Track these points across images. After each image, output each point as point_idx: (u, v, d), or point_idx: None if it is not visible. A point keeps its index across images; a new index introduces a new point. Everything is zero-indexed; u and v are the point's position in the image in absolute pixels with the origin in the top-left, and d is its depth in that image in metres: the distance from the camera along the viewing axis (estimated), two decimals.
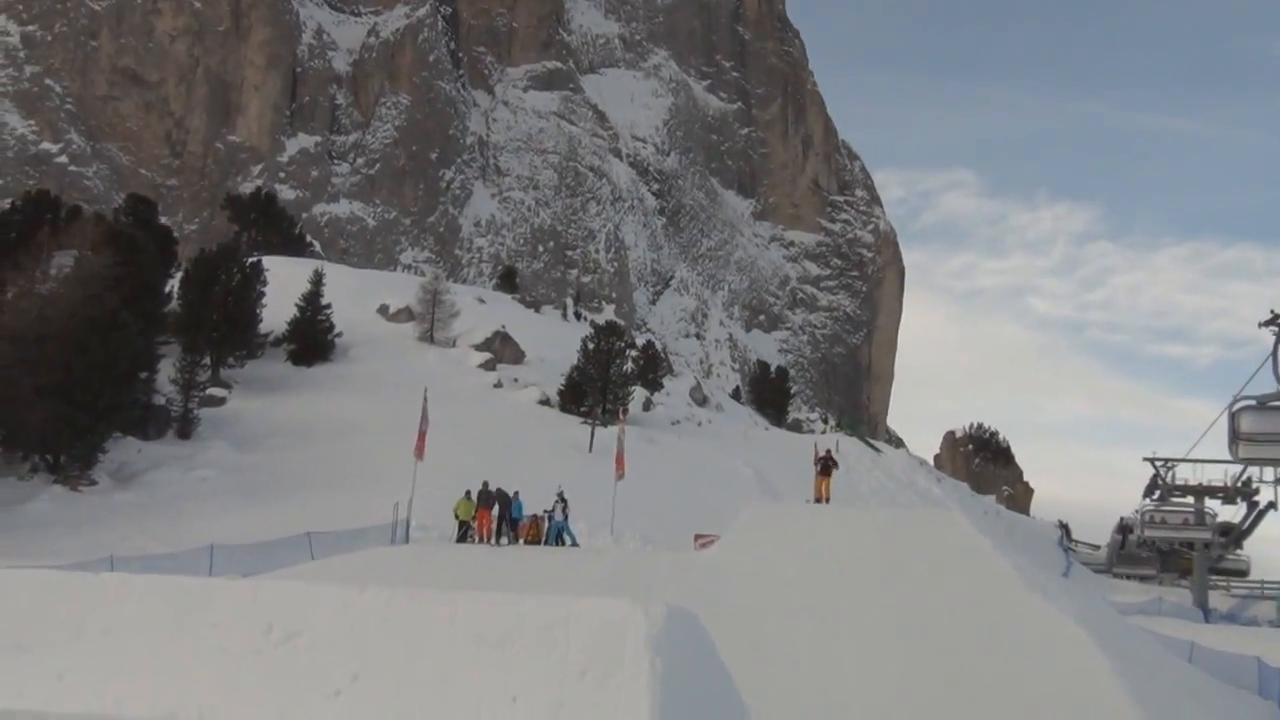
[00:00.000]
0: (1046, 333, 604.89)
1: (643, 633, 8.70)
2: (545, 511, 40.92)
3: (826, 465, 38.86)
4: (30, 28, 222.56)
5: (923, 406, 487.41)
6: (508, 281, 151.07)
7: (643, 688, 8.39)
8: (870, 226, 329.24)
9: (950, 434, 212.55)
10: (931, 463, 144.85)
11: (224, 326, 75.31)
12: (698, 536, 41.58)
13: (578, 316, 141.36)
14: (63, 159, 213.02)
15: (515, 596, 9.43)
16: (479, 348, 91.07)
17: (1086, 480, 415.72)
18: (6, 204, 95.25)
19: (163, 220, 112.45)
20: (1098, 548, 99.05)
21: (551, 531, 40.14)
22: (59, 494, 52.12)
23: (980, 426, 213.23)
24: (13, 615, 9.96)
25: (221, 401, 70.88)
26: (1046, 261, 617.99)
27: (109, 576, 10.79)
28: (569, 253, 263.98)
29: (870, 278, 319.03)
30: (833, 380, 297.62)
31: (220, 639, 9.43)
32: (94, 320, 54.66)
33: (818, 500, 37.98)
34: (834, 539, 27.91)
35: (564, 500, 40.72)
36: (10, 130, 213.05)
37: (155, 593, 10.05)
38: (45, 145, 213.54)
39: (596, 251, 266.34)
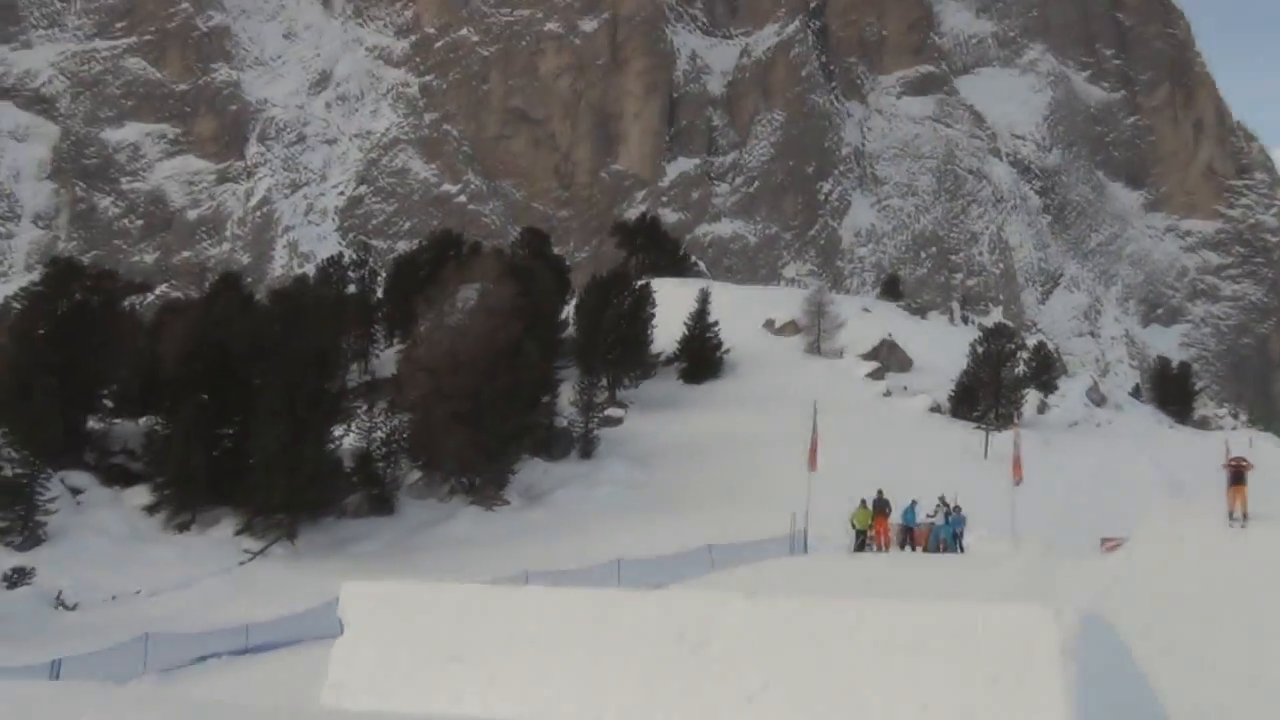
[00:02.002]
0: None
1: (1055, 639, 8.48)
2: (929, 517, 40.41)
3: (1239, 472, 32.11)
4: (428, 78, 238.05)
5: None
6: (891, 289, 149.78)
7: (1057, 695, 8.20)
8: (1273, 209, 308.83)
9: None
10: None
11: (618, 349, 77.99)
12: (1104, 540, 39.94)
13: (965, 320, 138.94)
14: (462, 198, 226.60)
15: (922, 603, 9.38)
16: (866, 357, 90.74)
17: None
18: (415, 244, 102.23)
19: (555, 250, 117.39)
20: None
21: (935, 536, 39.62)
22: (475, 513, 55.33)
23: None
24: (446, 627, 10.67)
25: (619, 421, 73.20)
26: None
27: (530, 589, 11.42)
28: (952, 257, 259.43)
29: (1276, 263, 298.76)
30: (1241, 373, 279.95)
31: (635, 647, 9.80)
32: (499, 349, 57.75)
33: (1231, 514, 33.17)
34: (1256, 545, 26.23)
35: (947, 505, 40.06)
36: (415, 175, 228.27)
37: (573, 604, 10.55)
38: (446, 187, 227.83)
39: (980, 254, 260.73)
